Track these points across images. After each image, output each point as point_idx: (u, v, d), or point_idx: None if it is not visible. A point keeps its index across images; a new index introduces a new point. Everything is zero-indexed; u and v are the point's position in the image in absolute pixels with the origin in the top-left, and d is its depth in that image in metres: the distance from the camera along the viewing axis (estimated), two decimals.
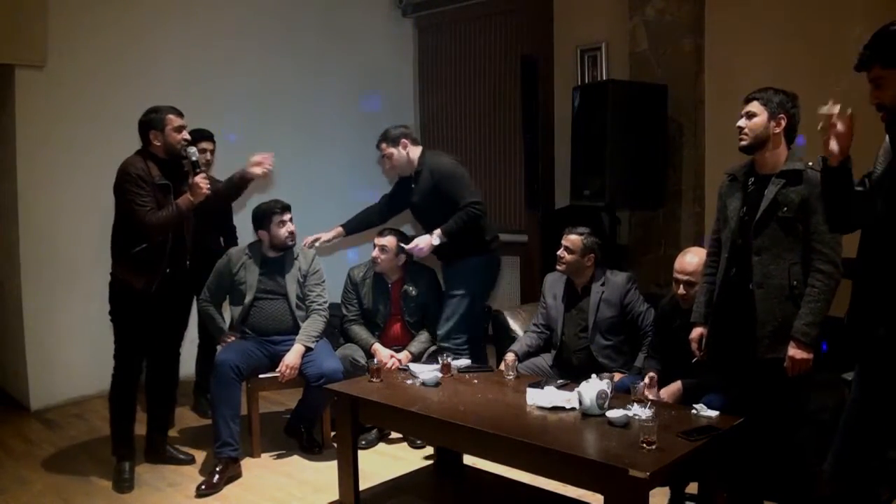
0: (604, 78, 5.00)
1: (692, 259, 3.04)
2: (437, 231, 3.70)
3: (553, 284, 3.72)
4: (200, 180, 3.28)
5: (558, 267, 3.59)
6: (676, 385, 2.94)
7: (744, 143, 2.63)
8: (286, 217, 3.73)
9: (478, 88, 6.12)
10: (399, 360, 3.73)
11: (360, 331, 3.94)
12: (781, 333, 2.53)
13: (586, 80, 5.13)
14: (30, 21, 4.27)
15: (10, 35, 4.22)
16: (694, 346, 2.83)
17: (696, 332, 2.83)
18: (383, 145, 3.87)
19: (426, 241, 3.71)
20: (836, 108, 2.04)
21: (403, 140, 3.85)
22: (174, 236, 3.31)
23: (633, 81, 4.61)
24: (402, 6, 6.30)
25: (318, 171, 5.63)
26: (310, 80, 5.67)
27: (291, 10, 5.54)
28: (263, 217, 3.76)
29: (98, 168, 4.45)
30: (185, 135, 3.32)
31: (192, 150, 3.34)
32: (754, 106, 2.61)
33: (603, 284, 3.55)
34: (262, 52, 5.36)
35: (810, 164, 2.56)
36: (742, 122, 2.62)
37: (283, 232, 3.72)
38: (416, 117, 6.56)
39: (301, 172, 5.36)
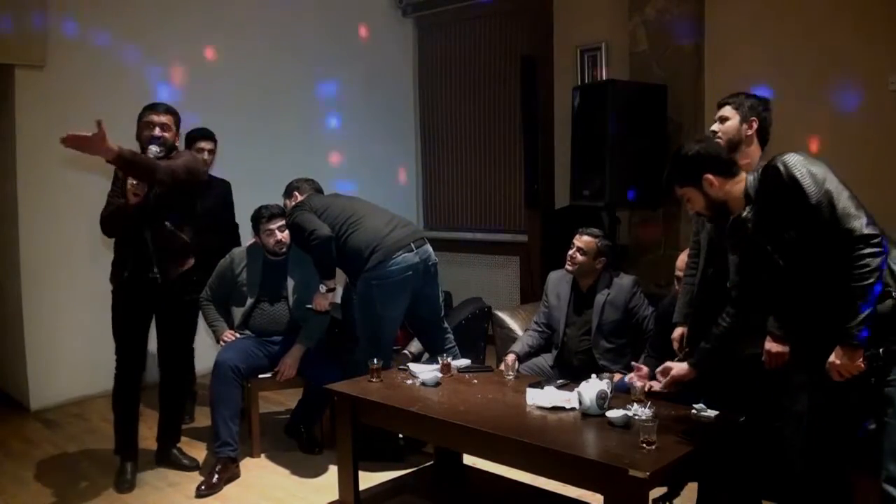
0: (604, 78, 5.00)
1: None
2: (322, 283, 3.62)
3: (557, 284, 3.70)
4: (128, 183, 3.12)
5: (568, 267, 3.56)
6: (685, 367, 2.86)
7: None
8: (272, 226, 3.66)
9: (478, 88, 6.13)
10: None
11: None
12: (760, 329, 2.58)
13: (586, 80, 5.13)
14: (30, 21, 4.26)
15: (10, 35, 4.21)
16: (675, 345, 2.91)
17: (678, 331, 2.93)
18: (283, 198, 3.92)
19: (318, 295, 3.62)
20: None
21: (294, 193, 3.86)
22: (135, 239, 3.23)
23: (632, 81, 4.61)
24: (402, 6, 6.31)
25: (318, 172, 5.61)
26: (310, 80, 5.67)
27: (291, 10, 5.53)
28: (253, 223, 3.75)
29: (97, 168, 4.45)
30: (156, 132, 3.20)
31: (153, 148, 3.17)
32: (727, 110, 2.73)
33: (609, 287, 3.53)
34: (262, 52, 5.36)
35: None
36: (716, 126, 2.74)
37: (270, 241, 3.68)
38: (416, 117, 6.57)
39: (301, 173, 5.32)
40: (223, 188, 4.27)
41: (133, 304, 3.33)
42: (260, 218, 3.70)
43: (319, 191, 3.94)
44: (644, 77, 4.60)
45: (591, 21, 5.17)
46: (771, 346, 2.54)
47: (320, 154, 5.71)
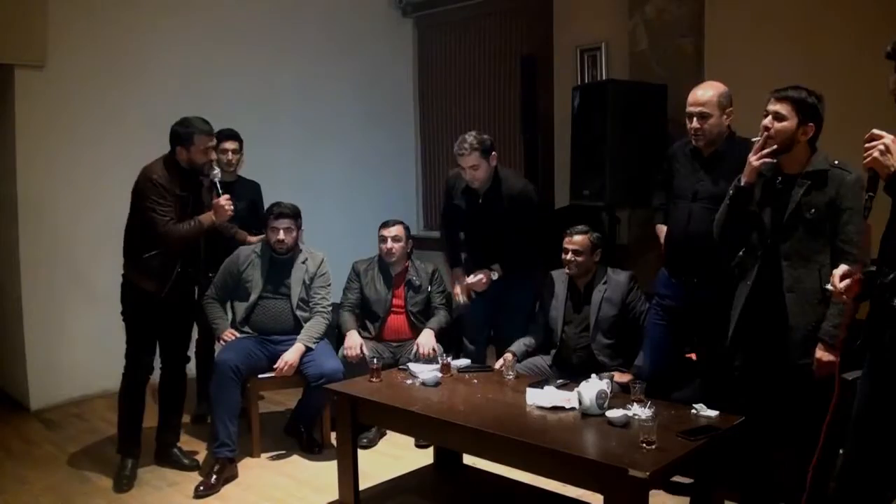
0: (603, 78, 4.99)
1: (706, 92, 2.89)
2: (497, 266, 3.70)
3: (553, 283, 3.72)
4: (225, 202, 3.34)
5: (570, 271, 3.56)
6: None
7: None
8: (277, 224, 3.71)
9: (477, 88, 6.12)
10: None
11: (347, 317, 4.02)
12: (814, 338, 2.47)
13: (586, 80, 5.12)
14: (30, 21, 4.27)
15: (10, 35, 4.22)
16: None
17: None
18: (476, 155, 3.56)
19: (486, 277, 3.71)
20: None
21: (494, 153, 3.65)
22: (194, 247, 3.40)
23: (632, 81, 4.61)
24: (402, 6, 6.31)
25: (318, 172, 5.63)
26: (309, 80, 5.67)
27: (291, 10, 5.53)
28: (264, 219, 3.80)
29: (98, 167, 4.47)
30: (213, 155, 3.38)
31: (216, 171, 3.41)
32: (783, 108, 2.46)
33: (605, 283, 3.54)
34: (262, 52, 5.36)
35: (836, 161, 2.49)
36: (767, 122, 2.49)
37: (272, 237, 3.74)
38: (416, 117, 6.57)
39: (301, 173, 5.36)
40: (252, 189, 4.28)
41: (175, 307, 3.38)
42: (268, 214, 3.76)
43: None
44: (644, 77, 4.60)
45: (591, 21, 5.16)
46: (822, 354, 2.43)
47: (320, 154, 5.71)
